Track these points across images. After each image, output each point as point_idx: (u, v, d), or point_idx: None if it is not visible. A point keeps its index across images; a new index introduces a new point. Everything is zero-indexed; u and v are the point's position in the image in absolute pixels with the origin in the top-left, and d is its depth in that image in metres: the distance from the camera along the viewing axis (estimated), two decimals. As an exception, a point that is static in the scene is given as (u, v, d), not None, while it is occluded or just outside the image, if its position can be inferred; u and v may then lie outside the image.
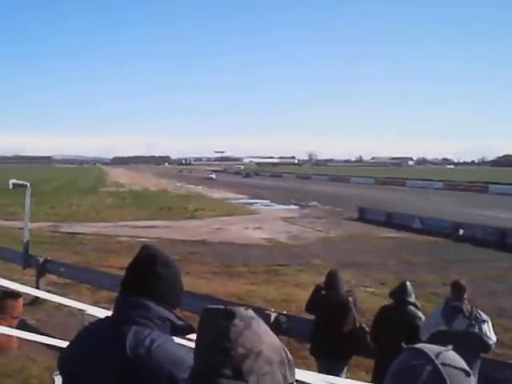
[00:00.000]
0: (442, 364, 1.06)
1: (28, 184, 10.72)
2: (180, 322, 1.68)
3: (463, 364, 1.10)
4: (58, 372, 1.83)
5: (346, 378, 5.17)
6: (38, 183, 40.10)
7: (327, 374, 4.58)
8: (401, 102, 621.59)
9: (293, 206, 32.22)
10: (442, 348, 1.11)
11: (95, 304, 7.23)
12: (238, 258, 14.78)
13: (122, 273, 1.78)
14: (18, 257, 10.96)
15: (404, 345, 1.18)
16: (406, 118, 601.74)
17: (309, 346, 5.82)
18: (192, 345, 1.17)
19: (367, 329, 5.53)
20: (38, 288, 9.10)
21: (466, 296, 4.76)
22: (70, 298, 6.89)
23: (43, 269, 10.10)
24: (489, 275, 12.75)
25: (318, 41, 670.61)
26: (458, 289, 4.80)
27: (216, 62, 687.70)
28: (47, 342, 4.98)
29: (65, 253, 14.39)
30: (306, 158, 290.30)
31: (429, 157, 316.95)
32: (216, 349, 1.03)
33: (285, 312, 6.91)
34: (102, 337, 1.62)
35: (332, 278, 5.60)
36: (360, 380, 4.73)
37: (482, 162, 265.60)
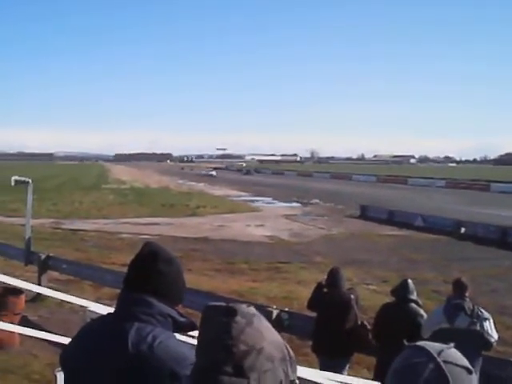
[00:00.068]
0: (444, 362, 1.06)
1: (30, 181, 10.71)
2: (182, 319, 1.68)
3: (465, 362, 1.10)
4: (59, 368, 1.84)
5: (348, 375, 5.17)
6: (40, 180, 40.11)
7: (329, 371, 4.58)
8: (403, 100, 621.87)
9: (295, 204, 32.16)
10: (444, 346, 1.11)
11: (97, 301, 7.25)
12: (239, 256, 14.78)
13: (124, 269, 1.78)
14: (19, 253, 10.96)
15: (406, 342, 1.17)
16: (408, 116, 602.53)
17: (310, 343, 5.82)
18: (194, 342, 1.17)
19: (369, 326, 5.53)
20: (39, 284, 9.12)
21: (467, 294, 4.75)
22: (72, 295, 6.92)
23: (45, 265, 10.10)
24: (490, 273, 12.75)
25: (318, 40, 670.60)
26: (459, 287, 4.79)
27: (218, 61, 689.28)
28: (49, 339, 5.01)
29: (67, 249, 14.38)
30: (308, 155, 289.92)
31: (431, 155, 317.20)
32: (218, 346, 1.03)
33: (286, 309, 6.92)
34: (104, 333, 1.62)
35: (334, 276, 5.59)
36: (362, 377, 4.74)
37: (484, 161, 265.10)
